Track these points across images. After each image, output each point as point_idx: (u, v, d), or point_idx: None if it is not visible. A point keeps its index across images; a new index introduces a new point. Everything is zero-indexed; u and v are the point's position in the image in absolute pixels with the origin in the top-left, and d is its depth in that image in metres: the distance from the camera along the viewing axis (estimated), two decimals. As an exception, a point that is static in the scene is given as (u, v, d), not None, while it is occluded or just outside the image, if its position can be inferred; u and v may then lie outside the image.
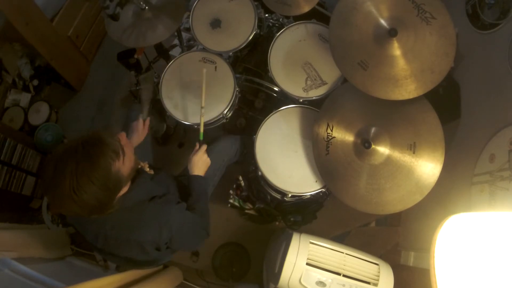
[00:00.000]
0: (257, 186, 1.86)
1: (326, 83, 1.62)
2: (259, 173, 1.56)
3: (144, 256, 1.22)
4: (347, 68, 1.37)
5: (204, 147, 1.49)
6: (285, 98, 1.70)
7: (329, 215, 2.02)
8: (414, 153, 1.35)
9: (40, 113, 2.48)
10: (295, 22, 1.74)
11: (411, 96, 1.30)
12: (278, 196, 1.68)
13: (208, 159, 1.49)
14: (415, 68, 1.31)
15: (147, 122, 1.57)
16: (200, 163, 1.46)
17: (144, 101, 1.63)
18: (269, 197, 1.82)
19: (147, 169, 1.31)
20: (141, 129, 1.53)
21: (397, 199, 1.34)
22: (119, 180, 1.02)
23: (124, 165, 1.04)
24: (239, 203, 2.05)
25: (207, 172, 1.50)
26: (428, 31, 1.32)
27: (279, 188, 1.53)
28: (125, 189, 1.11)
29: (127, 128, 1.57)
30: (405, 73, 1.31)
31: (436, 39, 1.31)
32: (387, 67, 1.33)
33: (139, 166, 1.30)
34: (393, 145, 1.37)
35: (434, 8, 1.33)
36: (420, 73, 1.30)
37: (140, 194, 1.15)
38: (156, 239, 1.16)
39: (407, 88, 1.30)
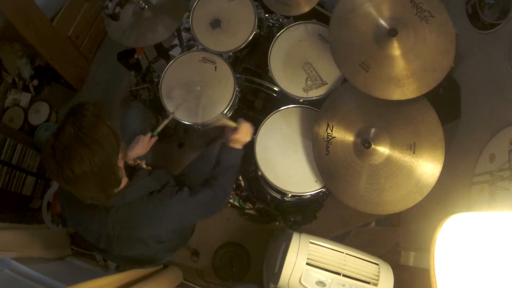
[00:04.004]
0: (257, 186, 1.86)
1: (326, 83, 1.62)
2: (259, 173, 1.56)
3: (147, 251, 1.22)
4: (349, 70, 1.37)
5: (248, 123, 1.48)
6: (285, 98, 1.70)
7: (329, 215, 2.02)
8: (414, 153, 1.35)
9: (40, 113, 2.48)
10: (295, 22, 1.73)
11: (414, 96, 1.30)
12: (278, 196, 1.68)
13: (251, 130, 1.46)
14: (417, 67, 1.30)
15: (153, 140, 1.54)
16: (245, 133, 1.43)
17: (164, 120, 1.60)
18: (269, 197, 1.82)
19: (144, 166, 1.31)
20: (146, 144, 1.51)
21: (397, 199, 1.34)
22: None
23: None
24: (239, 203, 2.05)
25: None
26: (428, 30, 1.32)
27: (279, 188, 1.53)
28: (123, 184, 1.11)
29: (124, 129, 1.56)
30: (406, 73, 1.31)
31: (436, 37, 1.31)
32: (388, 68, 1.33)
33: (136, 163, 1.30)
34: (393, 145, 1.37)
35: (432, 6, 1.33)
36: (422, 72, 1.29)
37: (138, 190, 1.15)
38: (158, 233, 1.17)
39: (410, 88, 1.30)
